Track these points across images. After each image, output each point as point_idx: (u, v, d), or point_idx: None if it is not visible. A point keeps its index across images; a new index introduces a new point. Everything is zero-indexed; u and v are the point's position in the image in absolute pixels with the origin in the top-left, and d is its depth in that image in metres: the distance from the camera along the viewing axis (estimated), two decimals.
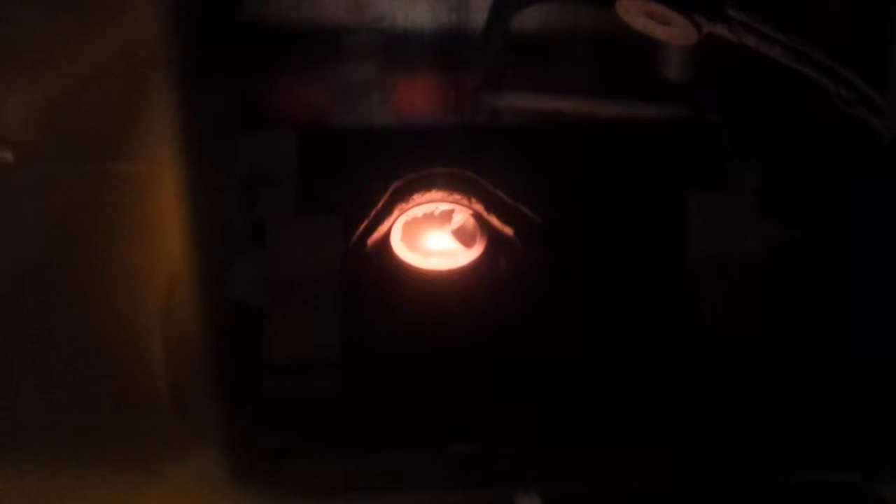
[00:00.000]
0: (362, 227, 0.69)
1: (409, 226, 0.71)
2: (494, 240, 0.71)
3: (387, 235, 0.70)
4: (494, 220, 0.71)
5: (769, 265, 0.67)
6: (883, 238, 0.69)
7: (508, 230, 0.71)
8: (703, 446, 0.63)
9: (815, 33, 0.68)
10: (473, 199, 0.71)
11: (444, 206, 0.72)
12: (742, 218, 0.69)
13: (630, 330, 0.67)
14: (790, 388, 0.65)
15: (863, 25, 0.71)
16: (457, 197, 0.71)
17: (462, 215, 0.72)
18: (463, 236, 0.72)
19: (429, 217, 0.72)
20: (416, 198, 0.71)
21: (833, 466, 0.62)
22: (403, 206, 0.70)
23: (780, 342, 0.66)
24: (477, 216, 0.71)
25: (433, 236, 0.72)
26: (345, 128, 0.79)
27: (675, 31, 0.72)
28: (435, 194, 0.71)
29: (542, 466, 0.62)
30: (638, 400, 0.65)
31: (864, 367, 0.65)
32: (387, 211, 0.70)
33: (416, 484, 0.61)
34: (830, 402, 0.64)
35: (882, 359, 0.65)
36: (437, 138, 0.74)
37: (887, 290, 0.68)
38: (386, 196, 0.70)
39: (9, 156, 0.68)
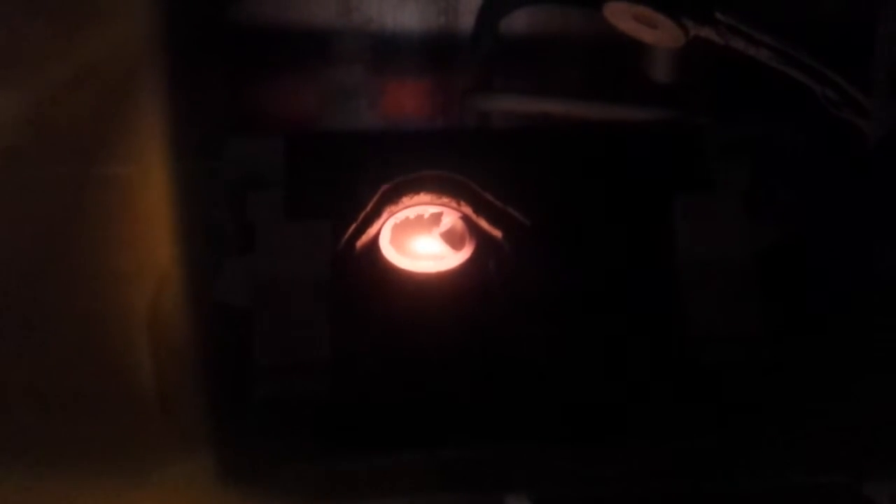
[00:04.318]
0: (351, 229, 0.69)
1: (397, 228, 0.71)
2: (483, 242, 0.71)
3: (375, 238, 0.70)
4: (483, 223, 0.71)
5: (758, 267, 0.68)
6: (871, 239, 0.70)
7: (497, 233, 0.71)
8: (693, 449, 0.63)
9: (803, 35, 0.68)
10: (462, 202, 0.71)
11: (433, 209, 0.72)
12: (730, 220, 0.69)
13: (620, 332, 0.67)
14: (778, 390, 0.65)
15: (850, 27, 0.71)
16: (445, 200, 0.71)
17: (451, 218, 0.72)
18: (452, 239, 0.72)
19: (418, 220, 0.72)
20: (405, 200, 0.71)
21: (821, 467, 0.62)
22: (392, 208, 0.70)
23: (768, 344, 0.66)
24: (466, 219, 0.71)
25: (422, 239, 0.72)
26: (333, 131, 0.79)
27: (662, 34, 0.72)
28: (423, 197, 0.71)
29: (532, 469, 0.62)
30: (628, 403, 0.65)
31: (849, 368, 0.66)
32: (375, 214, 0.70)
33: (405, 487, 0.61)
34: (818, 404, 0.64)
35: (866, 359, 0.66)
36: (426, 141, 0.74)
37: (873, 290, 0.68)
38: (374, 199, 0.70)
39: None
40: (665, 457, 0.62)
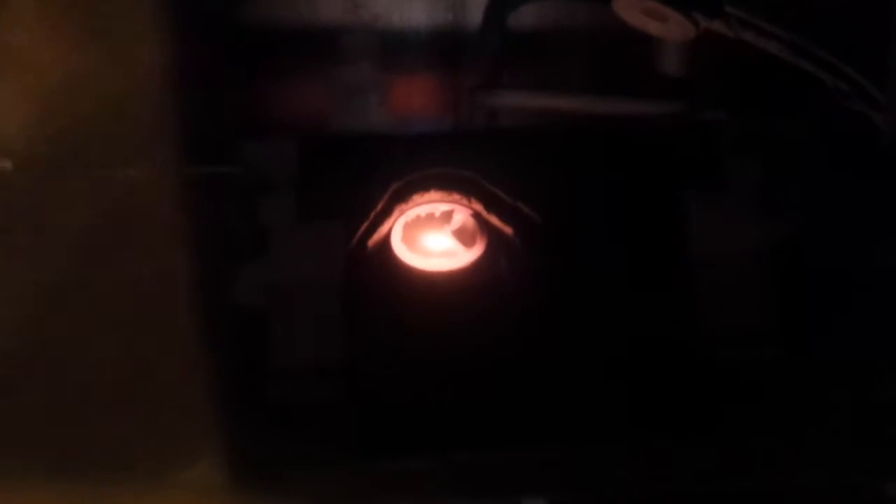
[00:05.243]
0: (362, 228, 0.69)
1: (409, 227, 0.71)
2: (494, 239, 0.71)
3: (387, 237, 0.70)
4: (494, 220, 0.71)
5: (770, 263, 0.67)
6: (883, 235, 0.70)
7: (508, 229, 0.71)
8: (709, 450, 0.63)
9: (814, 27, 0.68)
10: (473, 199, 0.71)
11: (444, 207, 0.71)
12: (741, 215, 0.68)
13: (631, 330, 0.67)
14: (793, 389, 0.65)
15: (862, 18, 0.70)
16: (456, 197, 0.71)
17: (462, 215, 0.72)
18: (463, 236, 0.72)
19: (429, 218, 0.72)
20: (416, 198, 0.71)
21: (839, 467, 0.62)
22: (403, 206, 0.70)
23: (782, 342, 0.66)
24: (476, 216, 0.71)
25: (433, 237, 0.72)
26: (345, 134, 0.79)
27: (672, 28, 0.71)
28: (434, 195, 0.71)
29: (548, 472, 0.62)
30: (641, 403, 0.65)
31: (867, 367, 0.65)
32: (386, 212, 0.70)
33: (420, 491, 0.61)
34: (834, 402, 0.64)
35: (885, 358, 0.65)
36: (437, 142, 0.74)
37: (888, 288, 0.68)
38: (385, 197, 0.70)
39: (8, 164, 0.68)
40: (680, 457, 0.62)
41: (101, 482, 0.61)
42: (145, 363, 0.64)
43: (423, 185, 0.70)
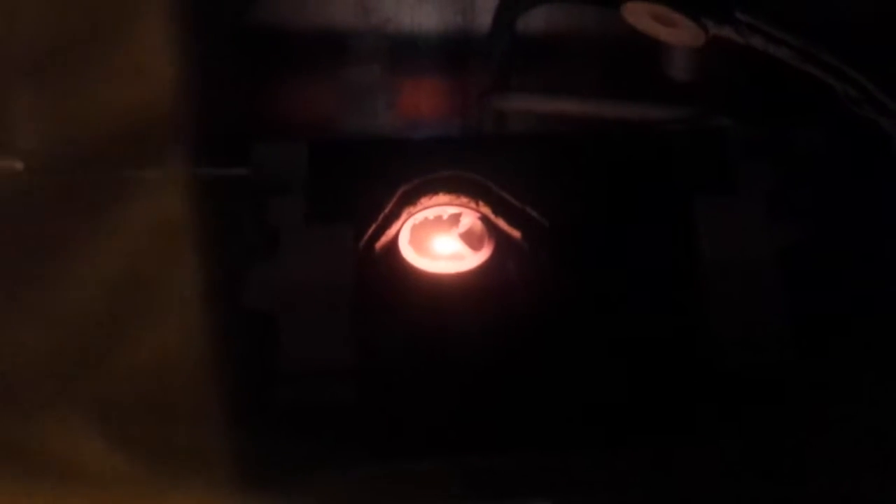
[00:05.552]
0: (370, 231, 0.69)
1: (416, 229, 0.71)
2: (502, 243, 0.71)
3: (395, 239, 0.70)
4: (502, 223, 0.71)
5: (780, 268, 0.67)
6: (893, 240, 0.70)
7: (516, 233, 0.71)
8: (719, 455, 0.63)
9: (825, 34, 0.68)
10: (481, 203, 0.71)
11: (452, 210, 0.72)
12: (751, 220, 0.68)
13: (640, 334, 0.67)
14: (799, 393, 0.65)
15: (873, 26, 0.71)
16: (464, 200, 0.71)
17: (470, 219, 0.72)
18: (471, 239, 0.72)
19: (437, 220, 0.72)
20: (424, 201, 0.71)
21: (843, 472, 0.62)
22: (411, 209, 0.71)
23: (793, 346, 0.66)
24: (484, 219, 0.71)
25: (441, 240, 0.72)
26: (354, 137, 0.79)
27: (681, 34, 0.71)
28: (442, 198, 0.71)
29: (557, 475, 0.62)
30: (651, 407, 0.65)
31: (873, 370, 0.65)
32: (394, 215, 0.70)
33: (429, 494, 0.61)
34: (842, 407, 0.64)
35: (891, 361, 0.65)
36: (445, 145, 0.74)
37: None
38: (394, 200, 0.70)
39: (19, 164, 0.68)
40: (687, 460, 0.62)
41: (106, 485, 0.61)
42: (151, 363, 0.64)
43: (432, 188, 0.70)
